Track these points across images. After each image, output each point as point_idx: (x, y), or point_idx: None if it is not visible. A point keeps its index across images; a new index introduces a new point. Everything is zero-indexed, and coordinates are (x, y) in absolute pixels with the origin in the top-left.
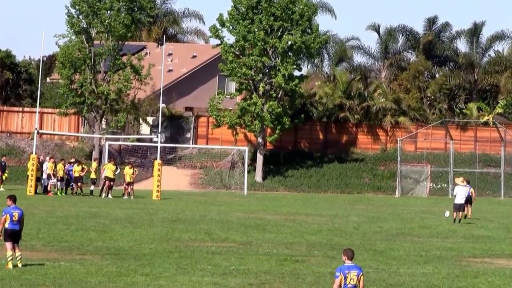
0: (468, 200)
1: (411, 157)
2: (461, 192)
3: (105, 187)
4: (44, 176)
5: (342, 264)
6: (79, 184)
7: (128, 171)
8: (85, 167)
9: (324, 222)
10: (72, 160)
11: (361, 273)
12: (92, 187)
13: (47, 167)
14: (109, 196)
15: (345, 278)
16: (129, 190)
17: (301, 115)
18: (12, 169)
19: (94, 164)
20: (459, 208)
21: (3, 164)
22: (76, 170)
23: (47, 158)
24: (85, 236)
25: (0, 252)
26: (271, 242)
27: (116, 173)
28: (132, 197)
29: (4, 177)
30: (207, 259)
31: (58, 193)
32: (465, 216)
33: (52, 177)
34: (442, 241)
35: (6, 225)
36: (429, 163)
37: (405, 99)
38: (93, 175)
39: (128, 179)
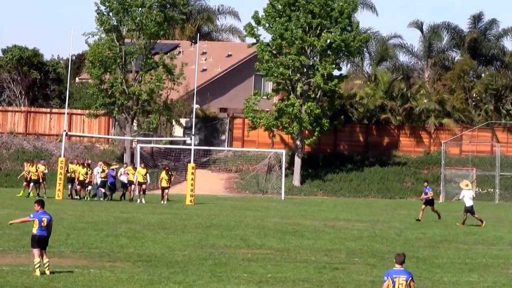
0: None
1: (455, 161)
2: (468, 195)
3: (138, 192)
4: (98, 181)
5: (389, 269)
6: (79, 187)
7: (164, 175)
8: (89, 171)
9: (364, 228)
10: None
11: (410, 278)
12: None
13: (97, 171)
14: (140, 201)
15: (393, 283)
16: (164, 194)
17: (340, 116)
18: None
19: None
20: (471, 211)
21: None
22: (81, 173)
23: (99, 162)
24: (115, 243)
25: (27, 259)
26: (309, 249)
27: (148, 177)
28: (165, 202)
29: None
30: (243, 267)
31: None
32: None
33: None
34: (488, 248)
35: (34, 231)
36: (475, 166)
37: (449, 100)
38: (140, 178)
39: (164, 184)
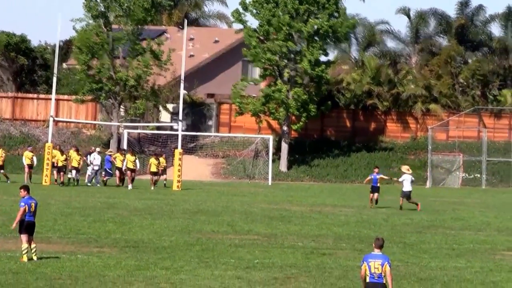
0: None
1: (442, 146)
2: (407, 180)
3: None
4: (97, 168)
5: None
6: (61, 173)
7: (153, 161)
8: (69, 157)
9: (351, 214)
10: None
11: (386, 262)
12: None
13: (94, 157)
14: (130, 187)
15: (369, 267)
16: (154, 180)
17: (327, 102)
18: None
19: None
20: (408, 195)
21: None
22: (60, 160)
23: (97, 149)
24: (103, 228)
25: (14, 245)
26: (296, 235)
27: (137, 163)
28: (152, 187)
29: None
30: (230, 252)
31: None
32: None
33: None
34: (475, 234)
35: (26, 218)
36: (462, 152)
37: (436, 85)
38: (129, 164)
39: (153, 169)
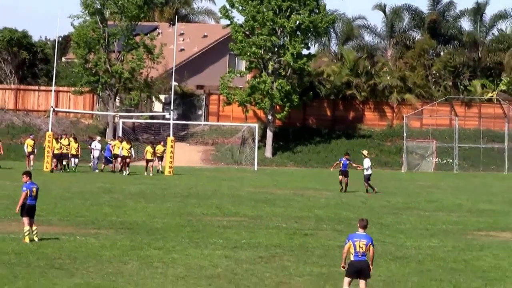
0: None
1: (416, 133)
2: (368, 163)
3: (123, 165)
4: (96, 154)
5: (352, 233)
6: (55, 160)
7: (149, 149)
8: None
9: (332, 197)
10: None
11: (370, 242)
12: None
13: (95, 146)
14: (125, 173)
15: (354, 246)
16: (149, 167)
17: (309, 92)
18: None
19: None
20: (369, 178)
21: None
22: (56, 148)
23: (98, 138)
24: (99, 211)
25: (17, 227)
26: (280, 216)
27: (132, 152)
28: (150, 174)
29: None
30: (219, 233)
31: (72, 170)
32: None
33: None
34: (448, 215)
35: (27, 201)
36: (435, 139)
37: (410, 76)
38: (124, 152)
39: (149, 157)
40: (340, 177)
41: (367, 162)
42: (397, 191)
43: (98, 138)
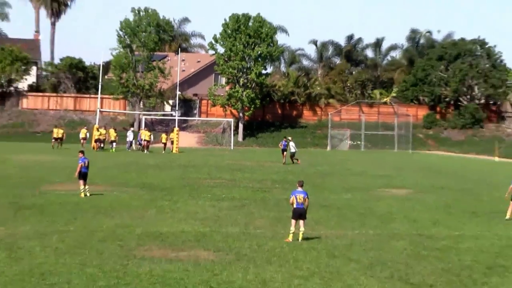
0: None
1: (337, 125)
2: (292, 145)
3: (144, 146)
4: (130, 139)
5: (294, 190)
6: (97, 143)
7: (164, 136)
8: (108, 133)
9: (282, 167)
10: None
11: (306, 196)
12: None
13: (129, 134)
14: (147, 151)
15: (296, 198)
16: (164, 147)
17: (267, 98)
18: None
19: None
20: (293, 155)
21: None
22: (101, 134)
23: (132, 129)
24: (129, 176)
25: (76, 186)
26: (248, 179)
27: (151, 137)
28: (163, 152)
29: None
30: (207, 190)
31: (112, 150)
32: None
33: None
34: (358, 178)
35: (82, 169)
36: (349, 128)
37: (333, 87)
38: (146, 137)
39: (163, 141)
40: (283, 154)
41: (291, 144)
42: (324, 162)
43: (132, 129)
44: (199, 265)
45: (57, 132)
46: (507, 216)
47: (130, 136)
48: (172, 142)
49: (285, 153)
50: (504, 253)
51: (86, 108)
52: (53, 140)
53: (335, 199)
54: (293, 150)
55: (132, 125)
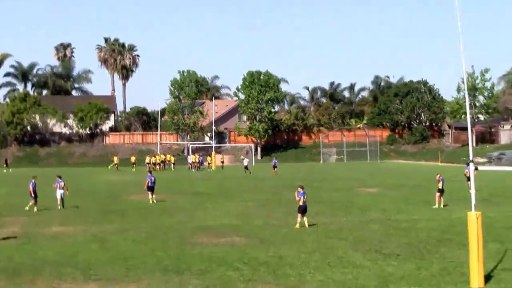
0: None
1: (326, 145)
2: (246, 160)
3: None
4: (190, 161)
5: (299, 192)
6: (160, 165)
7: (207, 158)
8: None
9: (289, 174)
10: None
11: (305, 196)
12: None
13: (191, 158)
14: (196, 169)
15: (301, 198)
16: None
17: (276, 128)
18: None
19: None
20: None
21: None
22: (160, 159)
23: (191, 154)
24: (182, 186)
25: (145, 196)
26: (270, 186)
27: (199, 159)
28: (208, 170)
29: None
30: (238, 194)
31: (172, 170)
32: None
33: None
34: (342, 181)
35: (149, 184)
36: (335, 147)
37: (322, 119)
38: (194, 160)
39: (208, 161)
40: (274, 169)
41: (246, 159)
42: (318, 172)
43: (191, 155)
44: (234, 247)
45: (133, 159)
46: (435, 205)
47: (189, 159)
48: (209, 163)
49: (275, 169)
50: (449, 230)
51: (150, 141)
52: (133, 164)
53: (327, 197)
54: (245, 164)
55: (183, 151)
